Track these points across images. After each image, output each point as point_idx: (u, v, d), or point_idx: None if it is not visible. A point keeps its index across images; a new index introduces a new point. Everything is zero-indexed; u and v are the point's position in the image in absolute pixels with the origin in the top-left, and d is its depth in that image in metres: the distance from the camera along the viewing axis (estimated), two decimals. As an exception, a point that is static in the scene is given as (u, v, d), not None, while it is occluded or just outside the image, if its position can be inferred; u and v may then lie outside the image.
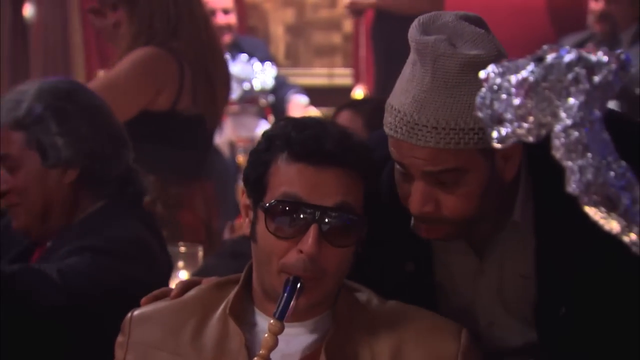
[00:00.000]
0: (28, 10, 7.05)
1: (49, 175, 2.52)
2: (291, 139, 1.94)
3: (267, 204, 1.92)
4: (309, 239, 1.88)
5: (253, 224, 1.97)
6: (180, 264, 3.31)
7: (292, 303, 1.87)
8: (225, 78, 4.12)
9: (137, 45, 3.88)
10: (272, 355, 1.89)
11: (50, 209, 2.54)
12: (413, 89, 1.90)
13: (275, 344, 1.86)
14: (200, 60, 3.93)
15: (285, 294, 1.88)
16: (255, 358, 1.86)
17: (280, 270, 1.91)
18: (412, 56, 1.93)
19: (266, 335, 1.87)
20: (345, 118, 3.97)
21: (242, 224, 2.16)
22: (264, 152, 1.96)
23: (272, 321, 1.87)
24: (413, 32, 1.92)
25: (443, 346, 1.95)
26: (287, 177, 1.92)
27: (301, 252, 1.89)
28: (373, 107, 4.14)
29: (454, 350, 1.94)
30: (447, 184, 1.92)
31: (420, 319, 1.99)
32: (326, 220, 1.90)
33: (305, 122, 2.00)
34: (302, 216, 1.90)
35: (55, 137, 2.50)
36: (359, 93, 6.80)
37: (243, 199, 2.00)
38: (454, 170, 1.91)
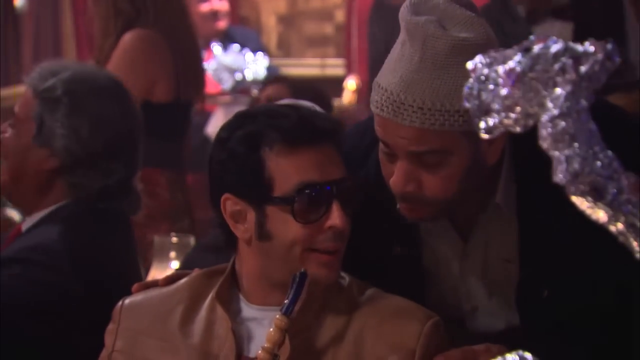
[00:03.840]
0: (19, 0, 7.05)
1: (33, 150, 2.53)
2: (282, 129, 1.93)
3: (289, 197, 1.92)
4: (335, 214, 1.93)
5: (261, 224, 1.95)
6: (172, 254, 3.32)
7: (298, 298, 1.88)
8: (200, 65, 4.08)
9: (107, 25, 3.84)
10: (240, 335, 1.96)
11: (22, 181, 2.55)
12: (401, 69, 1.92)
13: (280, 339, 1.87)
14: (182, 45, 3.90)
15: (293, 290, 1.88)
16: (260, 352, 1.87)
17: (308, 249, 1.93)
18: (401, 36, 1.95)
19: (271, 330, 1.87)
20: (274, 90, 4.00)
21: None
22: (247, 152, 1.94)
23: (277, 316, 1.87)
24: (404, 12, 1.94)
25: (405, 328, 1.94)
26: (295, 166, 1.93)
27: (330, 228, 1.93)
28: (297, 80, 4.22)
29: (416, 331, 1.93)
30: (430, 164, 1.94)
31: (393, 304, 1.99)
32: (345, 192, 1.95)
33: (279, 110, 2.01)
34: (323, 196, 1.93)
35: (56, 124, 2.51)
36: (351, 83, 6.80)
37: (230, 207, 1.97)
38: (437, 152, 1.93)
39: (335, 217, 1.92)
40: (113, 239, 2.56)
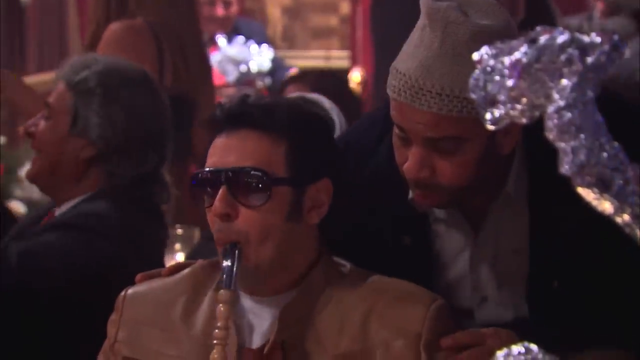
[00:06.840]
0: (24, -8, 7.04)
1: (70, 141, 2.59)
2: (211, 115, 1.98)
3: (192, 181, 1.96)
4: (216, 200, 1.91)
5: None
6: (177, 246, 3.32)
7: (234, 269, 1.88)
8: (201, 58, 4.06)
9: (98, 17, 3.83)
10: (241, 326, 1.95)
11: (57, 172, 2.60)
12: (420, 54, 1.91)
13: (228, 314, 1.87)
14: (176, 36, 3.88)
15: (225, 262, 1.89)
16: (216, 330, 1.87)
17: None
18: (421, 20, 1.94)
19: (220, 306, 1.88)
20: (291, 92, 4.01)
21: None
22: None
23: (221, 291, 1.88)
24: None
25: (410, 312, 1.93)
26: (210, 151, 1.97)
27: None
28: (317, 75, 4.21)
29: (421, 315, 1.92)
30: (445, 151, 1.93)
31: (397, 288, 1.98)
32: (234, 180, 1.91)
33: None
34: (213, 182, 1.92)
35: (91, 113, 2.57)
36: (355, 75, 6.79)
37: None
38: (454, 139, 1.92)
39: (215, 203, 1.91)
40: (149, 225, 2.61)
